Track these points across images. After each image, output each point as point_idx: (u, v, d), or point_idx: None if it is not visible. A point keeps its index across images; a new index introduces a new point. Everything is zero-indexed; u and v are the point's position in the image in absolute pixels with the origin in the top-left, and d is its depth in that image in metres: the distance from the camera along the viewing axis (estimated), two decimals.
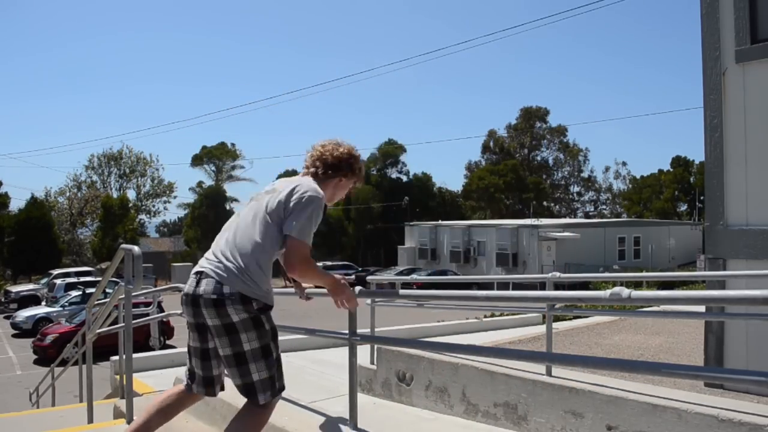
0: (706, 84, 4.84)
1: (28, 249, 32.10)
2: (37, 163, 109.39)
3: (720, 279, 4.73)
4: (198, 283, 2.35)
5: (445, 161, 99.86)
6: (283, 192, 2.43)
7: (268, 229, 2.39)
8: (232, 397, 3.70)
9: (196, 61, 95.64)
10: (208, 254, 2.46)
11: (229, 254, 2.36)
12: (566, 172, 61.80)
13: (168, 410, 2.58)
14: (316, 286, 2.99)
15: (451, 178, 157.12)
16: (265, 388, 2.37)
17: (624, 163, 66.33)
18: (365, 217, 44.07)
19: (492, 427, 3.68)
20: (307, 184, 2.48)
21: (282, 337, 8.92)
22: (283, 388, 2.47)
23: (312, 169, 2.63)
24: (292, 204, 2.39)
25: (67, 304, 19.75)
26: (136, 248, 3.46)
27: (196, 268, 2.42)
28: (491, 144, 58.93)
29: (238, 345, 2.31)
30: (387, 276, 24.42)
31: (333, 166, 2.62)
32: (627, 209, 57.86)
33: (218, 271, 2.32)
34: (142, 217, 51.28)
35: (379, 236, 44.87)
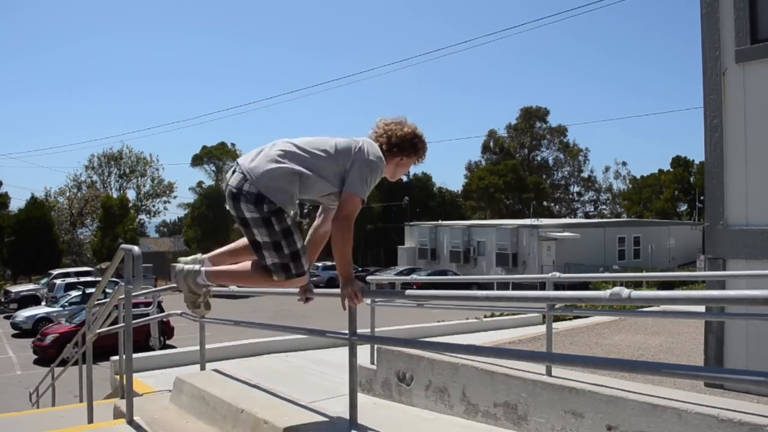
0: (706, 84, 4.84)
1: (28, 249, 32.10)
2: (37, 163, 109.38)
3: (720, 279, 4.73)
4: (232, 173, 2.55)
5: (445, 161, 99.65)
6: (354, 145, 2.58)
7: (325, 160, 2.53)
8: (232, 397, 3.71)
9: (196, 61, 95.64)
10: (259, 147, 2.61)
11: (275, 154, 2.51)
12: (566, 172, 61.84)
13: (237, 251, 2.84)
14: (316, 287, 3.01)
15: (451, 178, 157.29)
16: (277, 270, 2.59)
17: (624, 163, 66.47)
18: (365, 217, 44.06)
19: (492, 427, 3.68)
20: (375, 150, 2.61)
21: (282, 337, 8.85)
22: (301, 273, 2.63)
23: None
24: (357, 161, 2.53)
25: (67, 304, 19.75)
26: (136, 248, 3.46)
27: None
28: (491, 144, 58.92)
29: (252, 235, 2.55)
30: (387, 276, 24.41)
31: (396, 145, 2.70)
32: (627, 209, 57.87)
33: (250, 166, 2.50)
34: (142, 217, 51.30)
35: (379, 236, 44.86)
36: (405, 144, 2.71)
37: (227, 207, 2.59)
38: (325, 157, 2.52)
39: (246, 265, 2.71)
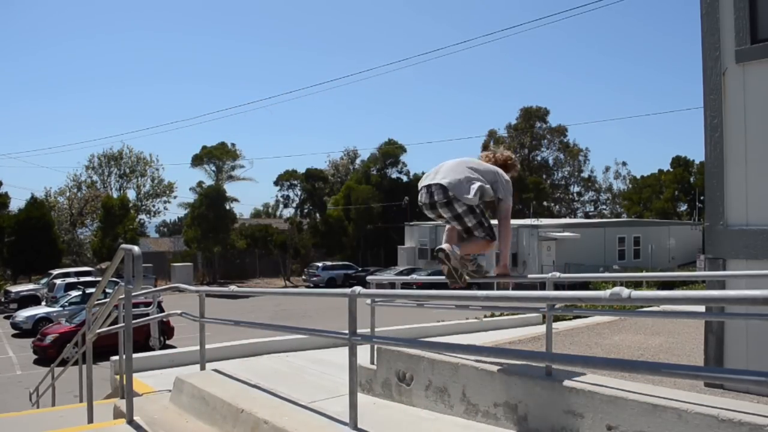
0: (706, 84, 4.83)
1: (28, 249, 32.06)
2: (37, 163, 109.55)
3: (720, 279, 4.72)
4: (439, 188, 3.83)
5: (445, 161, 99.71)
6: (493, 169, 3.99)
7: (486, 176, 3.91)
8: (232, 397, 3.71)
9: (196, 61, 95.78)
10: (443, 170, 3.92)
11: (466, 177, 3.85)
12: (566, 172, 61.81)
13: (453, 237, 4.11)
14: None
15: None
16: (487, 235, 3.94)
17: (624, 163, 66.45)
18: (365, 217, 44.04)
19: (492, 427, 3.68)
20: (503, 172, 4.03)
21: (282, 337, 8.83)
22: (495, 237, 3.96)
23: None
24: (500, 182, 3.93)
25: (67, 304, 19.75)
26: (136, 248, 3.47)
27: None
28: (491, 144, 58.85)
29: (465, 224, 3.93)
30: (387, 276, 24.41)
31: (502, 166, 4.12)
32: (627, 209, 57.87)
33: (452, 184, 3.82)
34: (142, 217, 51.29)
35: (379, 236, 44.85)
36: (507, 164, 4.21)
37: (438, 211, 3.83)
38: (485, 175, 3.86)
39: (469, 240, 4.00)
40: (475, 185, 3.79)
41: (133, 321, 3.83)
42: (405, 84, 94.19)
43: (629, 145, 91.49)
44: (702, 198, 28.93)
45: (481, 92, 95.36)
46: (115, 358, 6.39)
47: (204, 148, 44.04)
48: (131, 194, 49.55)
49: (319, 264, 36.80)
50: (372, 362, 5.11)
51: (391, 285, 14.10)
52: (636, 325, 8.11)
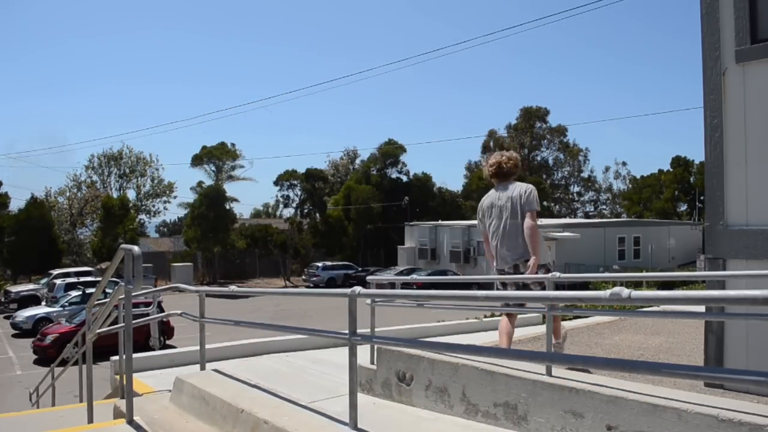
0: (706, 84, 4.83)
1: (28, 249, 32.07)
2: (37, 163, 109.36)
3: (720, 279, 4.73)
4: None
5: (445, 161, 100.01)
6: (516, 198, 4.91)
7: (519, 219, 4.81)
8: (232, 397, 3.71)
9: (196, 61, 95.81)
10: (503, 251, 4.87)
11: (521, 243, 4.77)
12: (566, 172, 61.81)
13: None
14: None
15: (451, 178, 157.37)
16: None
17: (624, 163, 66.32)
18: (365, 217, 44.03)
19: (492, 427, 3.68)
20: (524, 186, 4.96)
21: (282, 337, 8.84)
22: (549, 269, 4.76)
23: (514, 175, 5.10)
24: (525, 199, 4.85)
25: (67, 304, 19.76)
26: (136, 248, 3.47)
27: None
28: (491, 144, 58.89)
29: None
30: (387, 276, 24.40)
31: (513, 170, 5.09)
32: (627, 209, 57.87)
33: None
34: (142, 217, 51.28)
35: (379, 236, 44.84)
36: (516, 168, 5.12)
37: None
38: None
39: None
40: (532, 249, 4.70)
41: (133, 321, 3.83)
42: (405, 84, 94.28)
43: (629, 145, 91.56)
44: (702, 198, 28.94)
45: (481, 92, 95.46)
46: (115, 358, 6.39)
47: (204, 148, 44.01)
48: (131, 194, 49.61)
49: (319, 264, 36.82)
50: (372, 362, 5.11)
51: (391, 285, 14.11)
52: (636, 325, 8.11)
